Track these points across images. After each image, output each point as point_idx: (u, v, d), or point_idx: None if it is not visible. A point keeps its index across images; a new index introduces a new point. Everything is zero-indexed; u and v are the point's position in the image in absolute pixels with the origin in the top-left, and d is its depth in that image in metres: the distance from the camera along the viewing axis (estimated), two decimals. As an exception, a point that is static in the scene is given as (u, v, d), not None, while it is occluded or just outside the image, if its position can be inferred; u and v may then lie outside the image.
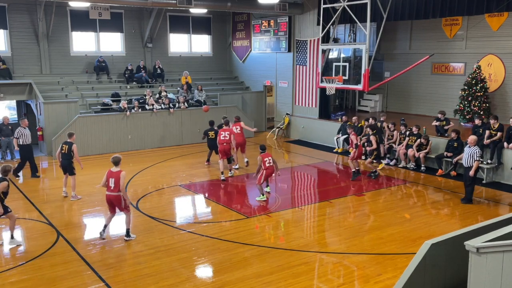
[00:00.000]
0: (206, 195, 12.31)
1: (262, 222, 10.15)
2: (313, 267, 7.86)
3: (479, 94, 15.84)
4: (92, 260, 8.11)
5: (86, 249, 8.64)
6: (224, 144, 13.50)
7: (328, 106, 19.50)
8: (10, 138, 14.61)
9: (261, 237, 9.22)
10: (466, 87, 16.13)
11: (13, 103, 18.68)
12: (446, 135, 14.54)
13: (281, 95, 20.94)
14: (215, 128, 14.68)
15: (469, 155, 10.93)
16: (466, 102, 16.11)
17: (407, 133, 14.84)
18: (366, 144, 13.91)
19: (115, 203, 8.92)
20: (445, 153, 13.64)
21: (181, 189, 12.65)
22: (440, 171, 13.80)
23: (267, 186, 12.03)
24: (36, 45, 18.53)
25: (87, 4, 18.08)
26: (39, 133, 16.68)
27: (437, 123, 14.81)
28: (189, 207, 11.62)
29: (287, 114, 20.39)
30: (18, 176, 13.70)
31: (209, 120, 15.30)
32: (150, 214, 10.47)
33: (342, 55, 17.05)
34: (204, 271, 7.85)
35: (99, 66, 19.53)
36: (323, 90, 17.56)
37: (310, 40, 18.84)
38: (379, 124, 15.57)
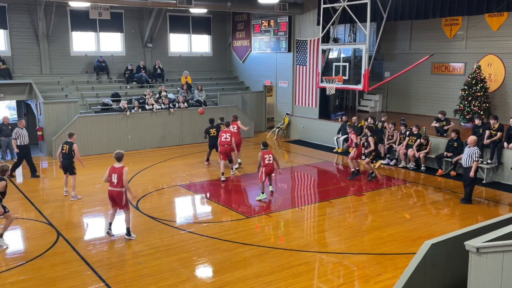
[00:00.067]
0: (206, 195, 12.31)
1: (262, 222, 10.15)
2: (313, 267, 7.86)
3: (479, 94, 15.84)
4: (92, 260, 8.11)
5: (86, 249, 8.64)
6: (225, 145, 13.54)
7: (328, 106, 19.50)
8: (10, 138, 14.60)
9: (261, 237, 9.22)
10: (466, 87, 16.13)
11: (13, 103, 18.68)
12: (445, 135, 14.54)
13: (281, 95, 20.94)
14: (215, 125, 14.81)
15: (468, 155, 10.93)
16: (466, 102, 16.11)
17: (407, 133, 14.84)
18: (365, 144, 13.91)
19: (116, 199, 8.96)
20: (445, 153, 13.65)
21: (181, 189, 12.65)
22: (440, 171, 13.81)
23: (270, 185, 12.02)
24: (36, 45, 18.53)
25: (87, 4, 18.09)
26: (39, 133, 16.68)
27: (437, 124, 14.80)
28: (189, 207, 11.62)
29: (287, 114, 20.39)
30: (14, 176, 13.68)
31: (209, 118, 15.36)
32: (150, 214, 10.47)
33: (342, 55, 17.05)
34: (204, 271, 7.86)
35: (99, 66, 19.54)
36: (323, 90, 17.56)
37: (310, 40, 18.84)
38: (380, 124, 15.56)
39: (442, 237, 5.39)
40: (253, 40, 21.99)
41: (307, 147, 18.17)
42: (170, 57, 21.89)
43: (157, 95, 19.08)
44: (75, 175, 11.75)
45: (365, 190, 12.42)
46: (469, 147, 10.99)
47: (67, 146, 11.56)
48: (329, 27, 16.49)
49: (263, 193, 11.54)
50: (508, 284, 4.48)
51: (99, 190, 12.32)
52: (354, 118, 16.64)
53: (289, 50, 19.96)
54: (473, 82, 15.94)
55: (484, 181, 12.83)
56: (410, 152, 14.43)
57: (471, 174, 10.85)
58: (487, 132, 13.07)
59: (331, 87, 16.07)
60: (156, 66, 20.67)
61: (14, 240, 9.24)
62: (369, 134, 13.27)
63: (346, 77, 15.72)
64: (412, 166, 14.52)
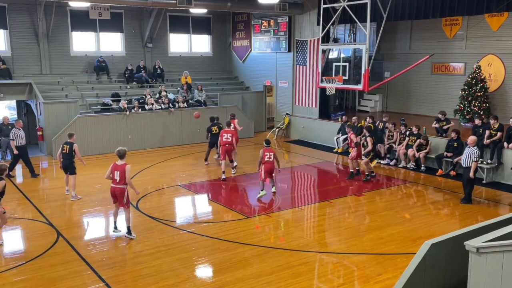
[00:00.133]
0: (206, 195, 12.31)
1: (262, 222, 10.15)
2: (313, 267, 7.86)
3: (479, 94, 15.84)
4: (92, 260, 8.11)
5: (86, 249, 8.64)
6: (227, 145, 13.60)
7: (328, 106, 19.50)
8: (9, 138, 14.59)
9: (261, 237, 9.22)
10: (466, 87, 16.14)
11: (13, 103, 18.67)
12: (444, 135, 14.53)
13: (281, 95, 20.94)
14: (216, 123, 14.92)
15: (467, 155, 10.93)
16: (466, 102, 16.12)
17: (407, 133, 14.84)
18: (364, 144, 13.90)
19: (118, 196, 8.98)
20: (445, 153, 13.65)
21: (181, 189, 12.65)
22: (440, 171, 13.81)
23: (273, 186, 12.02)
24: (36, 45, 18.54)
25: (87, 4, 18.09)
26: (39, 133, 16.69)
27: (437, 125, 14.79)
28: (189, 207, 11.62)
29: (287, 114, 20.39)
30: (13, 176, 13.67)
31: (210, 116, 15.38)
32: (150, 214, 10.47)
33: (342, 55, 17.05)
34: (204, 271, 7.86)
35: (99, 66, 19.54)
36: (323, 90, 17.56)
37: (310, 40, 18.84)
38: (381, 124, 15.53)
39: (442, 237, 5.39)
40: (253, 40, 21.99)
41: (307, 147, 18.17)
42: (170, 57, 21.90)
43: (157, 95, 19.08)
44: (75, 175, 11.76)
45: (365, 190, 12.42)
46: (469, 147, 10.99)
47: (68, 146, 11.59)
48: (329, 27, 16.49)
49: (262, 190, 11.59)
50: (508, 284, 4.48)
51: (99, 190, 12.33)
52: (354, 118, 16.64)
53: (289, 50, 19.96)
54: (473, 82, 15.94)
55: (484, 181, 12.83)
56: (410, 152, 14.43)
57: (470, 174, 10.85)
58: (487, 132, 13.08)
59: (331, 87, 16.07)
60: (156, 66, 20.67)
61: (14, 240, 9.26)
62: (367, 134, 13.28)
63: (346, 77, 15.72)
64: (412, 166, 14.52)
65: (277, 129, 20.31)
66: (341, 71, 15.76)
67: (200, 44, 22.85)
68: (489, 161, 13.01)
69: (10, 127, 15.02)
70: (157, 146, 18.04)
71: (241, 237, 9.08)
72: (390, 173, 14.26)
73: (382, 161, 15.30)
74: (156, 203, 11.35)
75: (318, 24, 17.32)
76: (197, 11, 20.19)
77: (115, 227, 9.38)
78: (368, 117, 15.55)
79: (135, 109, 17.77)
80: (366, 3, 14.28)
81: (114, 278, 7.47)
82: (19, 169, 14.37)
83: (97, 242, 9.02)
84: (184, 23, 21.98)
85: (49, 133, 16.46)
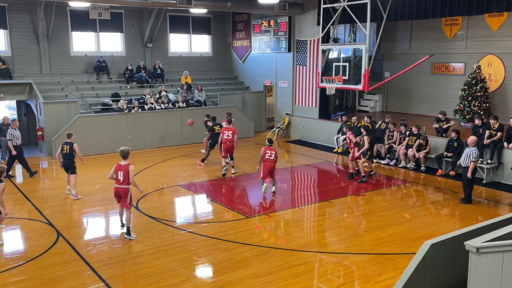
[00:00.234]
0: (206, 195, 12.31)
1: (262, 222, 10.15)
2: (313, 267, 7.86)
3: (479, 94, 15.85)
4: (92, 260, 8.11)
5: (86, 249, 8.64)
6: (227, 142, 13.71)
7: (328, 106, 19.50)
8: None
9: (261, 237, 9.22)
10: (466, 87, 16.14)
11: (13, 103, 18.67)
12: (445, 135, 14.53)
13: (281, 95, 20.94)
14: (218, 122, 14.98)
15: (466, 155, 10.94)
16: (466, 102, 16.12)
17: (407, 133, 14.84)
18: (361, 143, 13.81)
19: (122, 196, 9.01)
20: (445, 153, 13.65)
21: (181, 189, 12.65)
22: (440, 171, 13.81)
23: (273, 185, 12.04)
24: (36, 45, 18.54)
25: (87, 4, 18.09)
26: (39, 133, 16.69)
27: (437, 125, 14.79)
28: (189, 207, 11.62)
29: (287, 114, 20.39)
30: (13, 176, 13.67)
31: (212, 116, 15.39)
32: (150, 214, 10.47)
33: (342, 55, 17.05)
34: (204, 271, 7.86)
35: (99, 66, 19.54)
36: (323, 90, 17.56)
37: (310, 40, 18.84)
38: (384, 125, 15.50)
39: (442, 237, 5.39)
40: (253, 40, 21.99)
41: (307, 147, 18.17)
42: (170, 57, 21.90)
43: (157, 95, 19.08)
44: (76, 174, 11.79)
45: (365, 190, 12.42)
46: (468, 147, 10.99)
47: (68, 147, 11.63)
48: (329, 27, 16.49)
49: (264, 184, 11.74)
50: (508, 284, 4.48)
51: (99, 190, 12.33)
52: (354, 118, 16.62)
53: (289, 50, 19.96)
54: (473, 82, 15.94)
55: (484, 181, 12.83)
56: (410, 152, 14.43)
57: (468, 174, 10.85)
58: (487, 132, 13.08)
59: (331, 87, 16.07)
60: (156, 66, 20.67)
61: (14, 240, 9.26)
62: (364, 133, 13.19)
63: (346, 77, 15.72)
64: (412, 166, 14.52)
65: (277, 129, 20.31)
66: (341, 71, 15.76)
67: (200, 44, 22.85)
68: (489, 161, 13.00)
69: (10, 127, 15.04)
70: (157, 146, 18.04)
71: (241, 237, 9.08)
72: (390, 173, 14.26)
73: (382, 161, 15.30)
74: (156, 203, 11.35)
75: (318, 24, 17.32)
76: (197, 11, 20.19)
77: (122, 224, 9.45)
78: (366, 117, 15.54)
79: (135, 109, 17.78)
80: (366, 3, 14.28)
81: (114, 278, 7.47)
82: (19, 169, 14.37)
83: (97, 242, 9.02)
84: (184, 23, 21.98)
85: (49, 133, 16.46)
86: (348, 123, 16.00)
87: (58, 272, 7.70)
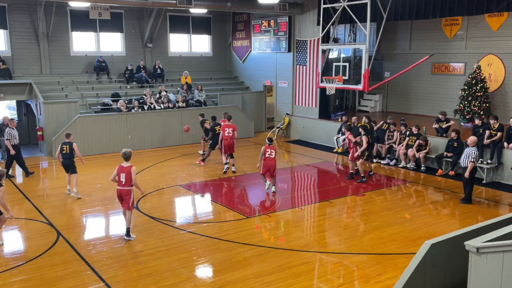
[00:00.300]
0: (206, 195, 12.31)
1: (262, 222, 10.15)
2: (313, 267, 7.86)
3: (479, 94, 15.85)
4: (92, 260, 8.11)
5: (86, 249, 8.64)
6: (228, 139, 13.85)
7: (328, 106, 19.50)
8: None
9: (261, 237, 9.22)
10: (466, 87, 16.14)
11: (13, 103, 18.68)
12: (445, 135, 14.53)
13: (281, 95, 20.94)
14: (218, 122, 15.02)
15: (466, 155, 10.94)
16: (466, 102, 16.12)
17: (407, 133, 14.83)
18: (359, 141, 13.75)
19: (124, 198, 9.02)
20: (445, 153, 13.65)
21: (181, 189, 12.65)
22: (440, 171, 13.80)
23: (273, 185, 12.06)
24: (36, 45, 18.54)
25: (87, 4, 18.09)
26: (39, 133, 16.69)
27: (437, 125, 14.79)
28: (189, 207, 11.62)
29: (287, 114, 20.39)
30: (13, 176, 13.66)
31: (212, 116, 15.40)
32: (150, 214, 10.48)
33: (342, 55, 17.05)
34: (204, 271, 7.86)
35: (99, 66, 19.54)
36: (323, 90, 17.56)
37: (310, 40, 18.85)
38: (386, 125, 15.48)
39: (442, 237, 5.39)
40: (253, 40, 22.00)
41: (307, 147, 18.17)
42: (170, 57, 21.90)
43: (157, 95, 19.09)
44: (77, 174, 11.85)
45: (365, 190, 12.42)
46: (468, 147, 10.99)
47: (67, 146, 11.65)
48: (329, 27, 16.49)
49: (266, 181, 11.89)
50: (508, 284, 4.48)
51: (99, 190, 12.33)
52: (353, 118, 16.62)
53: (289, 50, 19.96)
54: (473, 82, 15.94)
55: (484, 181, 12.83)
56: (410, 152, 14.43)
57: (466, 174, 10.87)
58: (487, 132, 13.08)
59: (331, 87, 16.07)
60: (156, 66, 20.67)
61: (14, 240, 9.26)
62: (362, 133, 13.15)
63: (346, 77, 15.72)
64: (412, 166, 14.52)
65: (277, 129, 20.31)
66: (341, 71, 15.76)
67: (200, 44, 22.86)
68: (489, 161, 13.00)
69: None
70: (157, 146, 18.05)
71: (241, 237, 9.08)
72: (390, 173, 14.26)
73: (382, 161, 15.30)
74: (156, 203, 11.35)
75: (318, 24, 17.32)
76: (197, 11, 20.19)
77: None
78: (364, 117, 15.52)
79: (135, 109, 17.78)
80: (366, 3, 14.29)
81: (114, 278, 7.47)
82: (18, 169, 14.35)
83: (97, 242, 9.02)
84: (184, 23, 21.98)
85: (49, 133, 16.46)
86: (348, 123, 15.97)
87: (58, 272, 7.70)
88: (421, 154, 14.19)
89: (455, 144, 13.35)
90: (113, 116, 17.25)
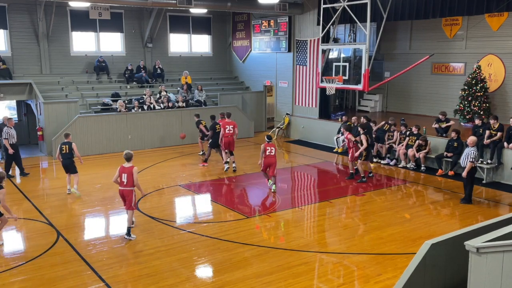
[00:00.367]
0: (206, 195, 12.31)
1: (262, 222, 10.15)
2: (313, 267, 7.86)
3: (479, 94, 15.84)
4: (92, 260, 8.11)
5: (86, 249, 8.64)
6: (229, 137, 14.01)
7: (328, 106, 19.50)
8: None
9: (261, 237, 9.22)
10: (466, 87, 16.14)
11: (13, 103, 18.68)
12: (445, 135, 14.53)
13: (281, 95, 20.94)
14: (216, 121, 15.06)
15: (465, 155, 10.95)
16: (466, 102, 16.12)
17: (407, 133, 14.83)
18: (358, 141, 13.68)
19: (126, 198, 9.06)
20: (445, 153, 13.65)
21: (181, 189, 12.65)
22: (440, 171, 13.80)
23: (274, 184, 12.13)
24: (36, 45, 18.54)
25: (87, 4, 18.09)
26: (39, 133, 16.69)
27: (437, 125, 14.78)
28: (189, 207, 11.62)
29: (287, 114, 20.39)
30: (13, 176, 13.67)
31: (211, 115, 15.42)
32: (150, 214, 10.48)
33: (342, 55, 17.05)
34: (204, 271, 7.86)
35: (99, 66, 19.54)
36: (323, 90, 17.56)
37: (310, 40, 18.84)
38: (387, 126, 15.46)
39: (442, 237, 5.39)
40: (253, 40, 21.99)
41: (307, 147, 18.17)
42: (170, 57, 21.90)
43: (158, 95, 19.09)
44: (78, 173, 11.92)
45: (365, 190, 12.42)
46: (468, 147, 10.99)
47: (66, 146, 11.69)
48: (329, 27, 16.49)
49: (269, 180, 12.02)
50: (508, 284, 4.48)
51: (99, 190, 12.33)
52: (353, 118, 16.60)
53: (289, 50, 19.96)
54: (473, 82, 15.94)
55: (484, 181, 12.83)
56: (410, 152, 14.43)
57: (463, 174, 10.88)
58: (487, 132, 13.07)
59: (331, 87, 16.07)
60: (156, 66, 20.67)
61: (14, 240, 9.26)
62: (362, 132, 13.10)
63: (346, 77, 15.72)
64: (412, 166, 14.51)
65: (277, 129, 20.31)
66: (341, 71, 15.76)
67: (200, 44, 22.86)
68: (489, 161, 13.00)
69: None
70: (157, 146, 18.04)
71: (241, 237, 9.08)
72: (390, 173, 14.26)
73: (382, 161, 15.30)
74: (156, 203, 11.35)
75: (318, 24, 17.33)
76: (197, 11, 20.19)
77: (132, 222, 9.45)
78: (362, 117, 15.50)
79: (135, 109, 17.78)
80: (366, 3, 14.28)
81: (114, 278, 7.47)
82: (18, 169, 14.37)
83: (97, 242, 9.01)
84: (184, 23, 21.98)
85: (49, 133, 16.46)
86: (348, 123, 15.97)
87: (58, 272, 7.70)
88: (421, 154, 14.19)
89: (455, 144, 13.35)
90: (113, 116, 17.25)
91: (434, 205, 11.24)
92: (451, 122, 14.80)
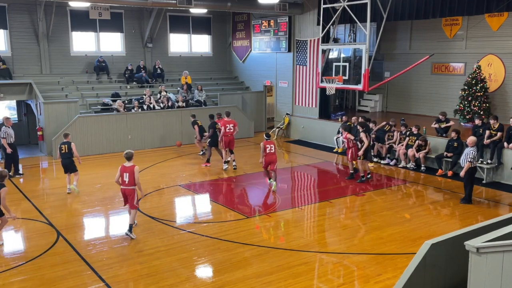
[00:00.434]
0: (206, 195, 12.31)
1: (262, 222, 10.15)
2: (313, 267, 7.86)
3: (479, 94, 15.84)
4: (92, 260, 8.11)
5: (86, 249, 8.64)
6: (229, 135, 14.13)
7: (328, 106, 19.50)
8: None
9: (261, 237, 9.22)
10: (466, 87, 16.14)
11: (13, 103, 18.68)
12: (445, 135, 14.52)
13: (281, 95, 20.94)
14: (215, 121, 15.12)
15: (465, 155, 10.95)
16: (466, 102, 16.12)
17: (407, 133, 14.83)
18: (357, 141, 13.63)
19: (128, 197, 9.09)
20: (445, 153, 13.65)
21: (181, 189, 12.65)
22: (440, 171, 13.80)
23: (274, 181, 12.18)
24: (36, 45, 18.54)
25: (87, 4, 18.09)
26: (39, 133, 16.69)
27: (437, 125, 14.78)
28: (189, 207, 11.62)
29: (287, 114, 20.39)
30: (12, 176, 13.66)
31: (210, 114, 15.45)
32: (150, 214, 10.48)
33: (342, 55, 17.05)
34: (204, 271, 7.86)
35: (99, 66, 19.54)
36: (323, 90, 17.56)
37: (310, 40, 18.84)
38: (388, 127, 15.44)
39: (442, 237, 5.39)
40: (253, 40, 21.99)
41: (307, 147, 18.17)
42: (170, 57, 21.90)
43: (158, 95, 19.09)
44: (78, 172, 11.96)
45: (365, 190, 12.42)
46: (468, 147, 10.99)
47: (66, 146, 11.75)
48: (329, 27, 16.49)
49: (270, 179, 12.10)
50: (508, 284, 4.48)
51: (99, 190, 12.33)
52: (353, 118, 16.59)
53: (289, 50, 19.96)
54: (473, 82, 15.94)
55: (484, 181, 12.82)
56: (410, 152, 14.42)
57: (461, 174, 10.90)
58: (487, 132, 13.07)
59: (331, 87, 16.07)
60: (156, 66, 20.67)
61: (14, 240, 9.26)
62: (361, 130, 13.02)
63: (346, 77, 15.72)
64: (412, 166, 14.51)
65: (277, 129, 20.31)
66: (341, 71, 15.75)
67: (200, 44, 22.86)
68: (489, 161, 13.00)
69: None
70: (157, 146, 18.04)
71: (241, 237, 9.08)
72: (390, 173, 14.26)
73: (382, 161, 15.30)
74: (156, 203, 11.35)
75: (318, 24, 17.32)
76: (197, 11, 20.19)
77: (134, 222, 9.47)
78: (360, 117, 15.47)
79: (135, 109, 17.78)
80: (366, 3, 14.28)
81: (114, 278, 7.47)
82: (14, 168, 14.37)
83: (97, 242, 9.01)
84: (184, 23, 21.98)
85: (49, 133, 16.46)
86: (348, 123, 15.97)
87: (58, 272, 7.70)
88: (421, 154, 14.19)
89: (455, 144, 13.35)
90: (113, 116, 17.25)
91: (434, 205, 11.24)
92: (451, 123, 14.80)
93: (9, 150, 13.33)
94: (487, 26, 16.63)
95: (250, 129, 20.26)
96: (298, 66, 19.68)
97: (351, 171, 13.42)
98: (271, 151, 12.01)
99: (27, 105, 18.31)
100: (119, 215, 10.45)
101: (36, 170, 14.76)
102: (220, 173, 14.09)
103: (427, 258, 5.11)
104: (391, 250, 8.52)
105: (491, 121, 13.16)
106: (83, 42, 19.68)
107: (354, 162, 13.27)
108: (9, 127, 13.48)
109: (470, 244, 4.71)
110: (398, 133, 15.13)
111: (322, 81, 16.48)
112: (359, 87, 15.23)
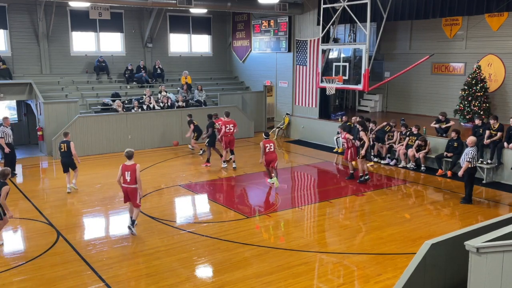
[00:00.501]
0: (206, 195, 12.31)
1: (262, 222, 10.15)
2: (313, 267, 7.86)
3: (479, 94, 15.84)
4: (92, 260, 8.11)
5: (86, 249, 8.64)
6: (229, 135, 14.21)
7: (328, 106, 19.50)
8: None
9: (261, 237, 9.22)
10: (466, 87, 16.14)
11: (13, 103, 18.68)
12: (445, 135, 14.53)
13: (281, 95, 20.94)
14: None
15: (464, 155, 10.95)
16: (466, 102, 16.12)
17: (407, 133, 14.83)
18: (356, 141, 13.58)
19: (130, 196, 9.11)
20: (445, 153, 13.65)
21: (181, 189, 12.65)
22: (440, 171, 13.80)
23: (276, 177, 12.26)
24: (36, 45, 18.54)
25: (87, 4, 18.09)
26: (39, 133, 16.69)
27: (437, 125, 14.78)
28: (189, 207, 11.62)
29: (287, 114, 20.39)
30: (14, 174, 13.68)
31: (208, 114, 15.46)
32: (150, 214, 10.47)
33: (342, 55, 17.05)
34: (204, 271, 7.86)
35: (99, 66, 19.54)
36: (323, 90, 17.56)
37: (310, 40, 18.84)
38: (389, 127, 15.42)
39: (442, 237, 5.39)
40: (253, 40, 21.99)
41: (307, 147, 18.17)
42: (170, 57, 21.90)
43: (158, 95, 19.09)
44: (77, 168, 12.05)
45: (365, 190, 12.42)
46: (468, 147, 10.99)
47: (65, 145, 11.82)
48: (329, 27, 16.48)
49: (271, 178, 12.19)
50: (508, 284, 4.48)
51: (99, 190, 12.33)
52: (353, 118, 16.58)
53: (289, 50, 19.96)
54: (473, 82, 15.94)
55: (484, 181, 12.82)
56: (410, 152, 14.43)
57: (460, 173, 10.92)
58: (487, 132, 13.07)
59: (331, 87, 16.07)
60: (156, 66, 20.67)
61: (14, 240, 9.26)
62: (360, 129, 12.97)
63: (346, 77, 15.72)
64: (412, 166, 14.51)
65: (277, 129, 20.31)
66: (341, 71, 15.75)
67: (200, 44, 22.85)
68: (489, 161, 13.00)
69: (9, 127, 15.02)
70: (157, 146, 18.04)
71: (241, 237, 9.08)
72: (390, 173, 14.26)
73: (382, 161, 15.30)
74: (156, 203, 11.35)
75: (318, 24, 17.32)
76: (197, 11, 20.19)
77: (131, 224, 9.41)
78: (358, 117, 15.44)
79: (135, 109, 17.78)
80: (366, 3, 14.28)
81: (114, 278, 7.47)
82: (18, 169, 14.38)
83: (97, 242, 9.01)
84: (184, 23, 21.98)
85: (49, 133, 16.46)
86: (348, 123, 15.95)
87: (58, 272, 7.70)
88: (421, 154, 14.19)
89: (455, 144, 13.35)
90: (113, 116, 17.25)
91: (434, 205, 11.24)
92: (451, 123, 14.80)
93: (6, 150, 13.35)
94: (487, 26, 16.63)
95: (250, 129, 20.26)
96: (298, 66, 19.68)
97: (351, 171, 13.41)
98: (271, 150, 12.13)
99: (27, 105, 18.31)
100: (119, 215, 10.46)
101: (36, 170, 14.77)
102: (220, 173, 14.09)
103: (427, 258, 5.11)
104: (391, 250, 8.52)
105: (491, 121, 13.16)
106: (83, 42, 19.68)
107: (353, 163, 13.26)
108: (7, 127, 13.49)
109: (470, 244, 4.71)
110: (398, 133, 15.13)
111: (322, 81, 16.48)
112: (359, 87, 15.23)
